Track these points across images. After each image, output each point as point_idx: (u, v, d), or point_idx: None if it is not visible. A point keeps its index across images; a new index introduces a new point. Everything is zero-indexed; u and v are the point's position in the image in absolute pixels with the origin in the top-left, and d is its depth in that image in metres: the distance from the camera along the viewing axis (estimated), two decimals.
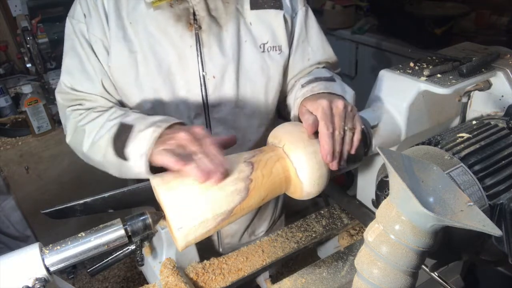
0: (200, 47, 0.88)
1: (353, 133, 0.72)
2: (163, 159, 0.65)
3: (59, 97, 0.93)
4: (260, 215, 1.14)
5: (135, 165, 0.72)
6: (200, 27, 0.87)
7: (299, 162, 0.68)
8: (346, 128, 0.72)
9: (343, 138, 0.71)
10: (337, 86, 0.83)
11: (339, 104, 0.72)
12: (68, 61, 0.90)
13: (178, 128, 0.72)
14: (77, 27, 0.88)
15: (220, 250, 1.10)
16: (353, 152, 0.72)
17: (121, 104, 0.94)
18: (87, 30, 0.87)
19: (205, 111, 0.92)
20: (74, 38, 0.89)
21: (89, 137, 0.83)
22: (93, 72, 0.88)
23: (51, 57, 2.10)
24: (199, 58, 0.88)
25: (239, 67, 0.91)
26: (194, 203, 0.61)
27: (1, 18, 2.32)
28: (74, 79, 0.89)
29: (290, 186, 0.71)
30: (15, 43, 2.37)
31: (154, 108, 0.90)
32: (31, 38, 2.01)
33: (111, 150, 0.77)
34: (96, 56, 0.88)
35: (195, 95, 0.90)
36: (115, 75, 0.88)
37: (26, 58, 2.21)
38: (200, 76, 0.89)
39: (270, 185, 0.67)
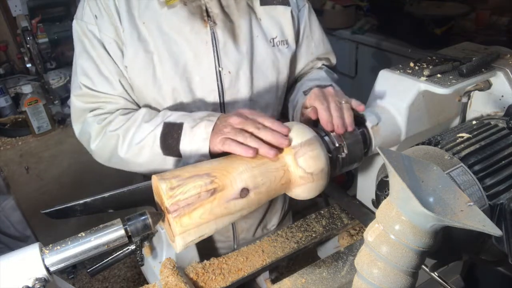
0: (215, 43, 0.89)
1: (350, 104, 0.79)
2: (230, 148, 0.70)
3: (78, 101, 0.89)
4: (272, 208, 1.17)
5: (190, 160, 0.77)
6: (215, 23, 0.89)
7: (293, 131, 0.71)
8: (341, 102, 0.79)
9: (340, 109, 0.77)
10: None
11: (329, 88, 0.83)
12: (82, 63, 0.88)
13: (224, 116, 0.77)
14: (87, 29, 0.86)
15: (235, 246, 1.12)
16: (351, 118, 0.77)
17: (136, 104, 0.94)
18: (98, 31, 0.86)
19: (221, 106, 0.93)
20: (84, 40, 0.87)
21: (124, 141, 0.84)
22: (109, 73, 0.87)
23: (51, 57, 2.10)
24: (215, 53, 0.89)
25: (252, 62, 0.93)
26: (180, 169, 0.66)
27: (1, 18, 2.32)
28: (93, 81, 0.87)
29: (287, 160, 0.70)
30: (15, 43, 2.37)
31: (173, 106, 0.91)
32: (31, 38, 2.01)
33: (158, 149, 0.80)
34: (111, 57, 0.86)
35: (212, 91, 0.91)
36: (131, 75, 0.88)
37: (26, 58, 2.21)
38: (216, 71, 0.90)
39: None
